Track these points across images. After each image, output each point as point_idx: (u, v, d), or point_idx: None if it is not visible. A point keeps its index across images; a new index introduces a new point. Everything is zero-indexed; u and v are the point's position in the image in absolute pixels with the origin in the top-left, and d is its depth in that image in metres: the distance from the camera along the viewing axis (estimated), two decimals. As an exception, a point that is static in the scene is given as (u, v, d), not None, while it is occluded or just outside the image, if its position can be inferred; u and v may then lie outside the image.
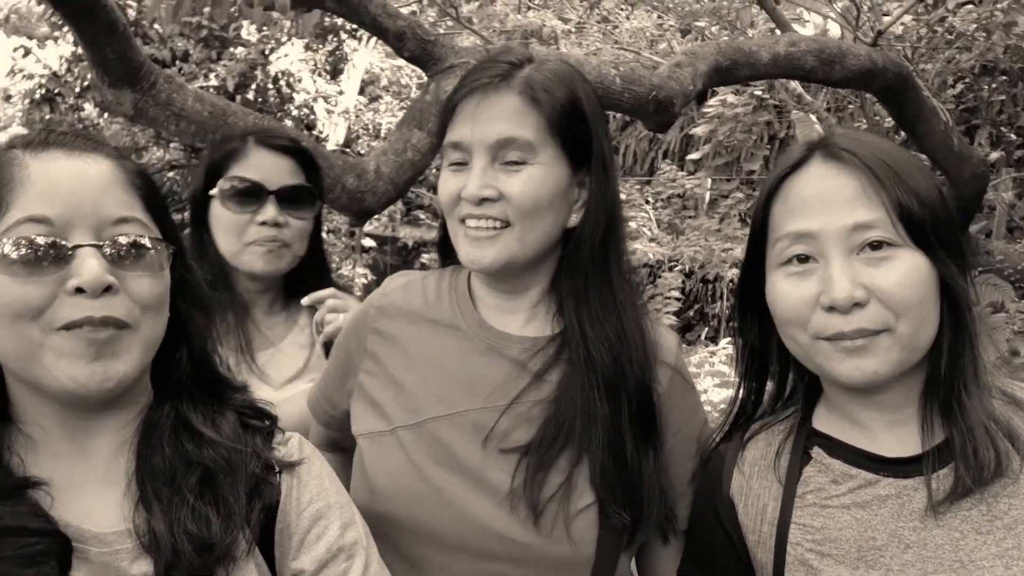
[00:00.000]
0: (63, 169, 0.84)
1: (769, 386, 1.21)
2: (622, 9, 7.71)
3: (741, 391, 1.21)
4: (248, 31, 8.93)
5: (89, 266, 0.81)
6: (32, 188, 0.82)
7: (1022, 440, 0.98)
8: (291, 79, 9.18)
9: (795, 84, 4.81)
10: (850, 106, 5.46)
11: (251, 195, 1.57)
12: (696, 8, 5.06)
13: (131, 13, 9.14)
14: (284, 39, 9.39)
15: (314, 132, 9.36)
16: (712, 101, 7.61)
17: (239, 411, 0.98)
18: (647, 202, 8.91)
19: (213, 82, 8.64)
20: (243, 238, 1.57)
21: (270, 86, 8.93)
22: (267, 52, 8.96)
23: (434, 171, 9.79)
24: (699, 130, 7.98)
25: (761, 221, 1.10)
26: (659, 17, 6.54)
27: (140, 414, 0.92)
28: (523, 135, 1.10)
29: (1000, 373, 1.08)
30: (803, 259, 1.02)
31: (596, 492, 1.10)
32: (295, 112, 9.11)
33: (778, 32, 3.79)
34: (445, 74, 2.47)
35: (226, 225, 1.58)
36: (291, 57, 9.34)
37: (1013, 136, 5.40)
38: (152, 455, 0.89)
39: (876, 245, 0.98)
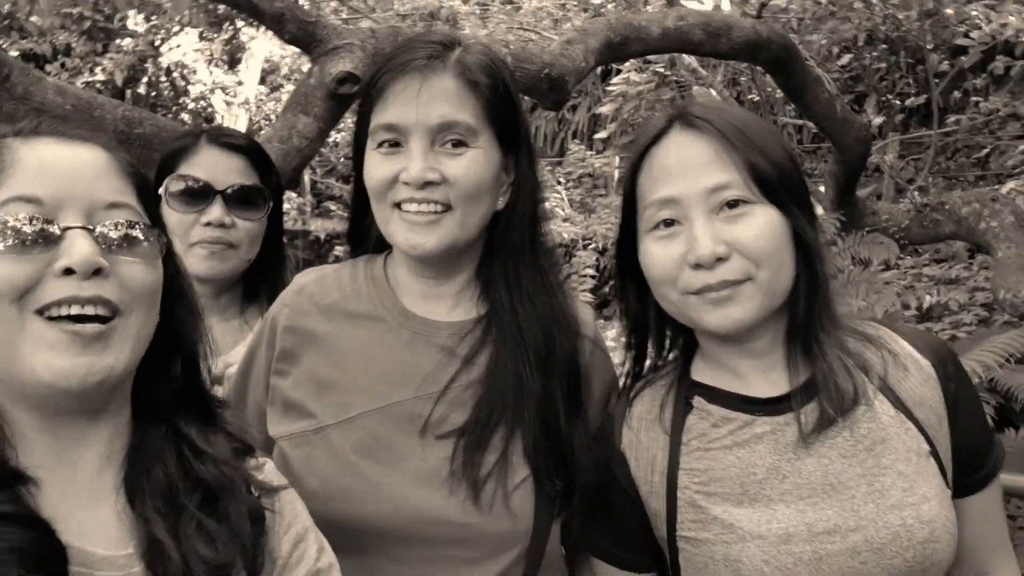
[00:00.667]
0: (55, 153, 0.82)
1: (650, 347, 1.27)
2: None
3: (628, 355, 1.27)
4: (135, 21, 8.49)
5: (80, 246, 0.78)
6: (22, 170, 0.80)
7: (875, 370, 1.09)
8: (185, 71, 8.80)
9: (692, 60, 4.91)
10: (743, 79, 5.62)
11: (197, 195, 1.51)
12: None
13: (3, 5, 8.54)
14: (176, 29, 8.97)
15: (213, 124, 9.02)
16: (616, 80, 7.70)
17: (226, 431, 0.95)
18: (559, 183, 8.98)
19: (100, 77, 8.19)
20: (187, 239, 1.51)
21: (163, 79, 8.54)
22: (157, 43, 8.55)
23: (342, 159, 9.61)
24: (605, 109, 8.06)
25: (630, 192, 1.16)
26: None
27: (124, 427, 0.88)
28: (464, 119, 1.11)
29: (851, 317, 1.19)
30: (669, 223, 1.09)
31: (531, 464, 1.13)
32: (191, 105, 8.77)
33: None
34: (329, 56, 2.39)
35: (172, 226, 1.50)
36: (184, 48, 8.95)
37: (896, 102, 5.68)
38: (149, 471, 0.86)
39: (733, 203, 1.06)
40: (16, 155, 0.81)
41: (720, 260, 1.04)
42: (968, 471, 1.10)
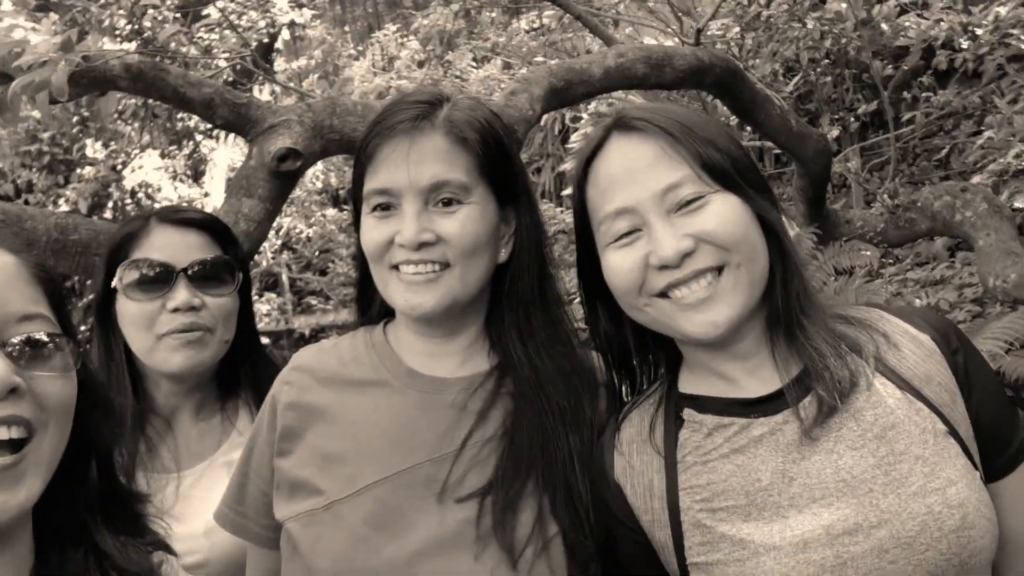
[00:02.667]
0: None
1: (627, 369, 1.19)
2: (471, 67, 7.88)
3: (607, 376, 1.20)
4: (94, 149, 8.57)
5: None
6: None
7: (867, 349, 1.01)
8: (150, 190, 8.85)
9: (639, 97, 4.95)
10: (694, 107, 5.67)
11: (157, 280, 1.36)
12: (533, 46, 5.19)
13: (-38, 152, 8.63)
14: (136, 151, 9.06)
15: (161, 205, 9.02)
16: (575, 136, 7.86)
17: (145, 529, 0.88)
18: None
19: (64, 207, 8.21)
20: (154, 330, 1.35)
21: (128, 200, 8.56)
22: (119, 167, 8.62)
23: (317, 254, 9.62)
24: (568, 166, 8.20)
25: (580, 208, 1.10)
26: (504, 62, 6.68)
27: (28, 556, 0.80)
28: (456, 177, 1.09)
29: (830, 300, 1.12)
30: (627, 233, 1.03)
31: (559, 523, 1.06)
32: (160, 222, 8.79)
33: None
34: (267, 135, 2.34)
35: (133, 318, 1.35)
36: (147, 168, 9.02)
37: (851, 119, 5.74)
38: None
39: (689, 201, 1.00)
40: None
41: (687, 256, 0.98)
42: (995, 449, 0.99)
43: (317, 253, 9.19)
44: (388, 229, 1.10)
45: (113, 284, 1.39)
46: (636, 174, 1.01)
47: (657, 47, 3.56)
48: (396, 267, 1.11)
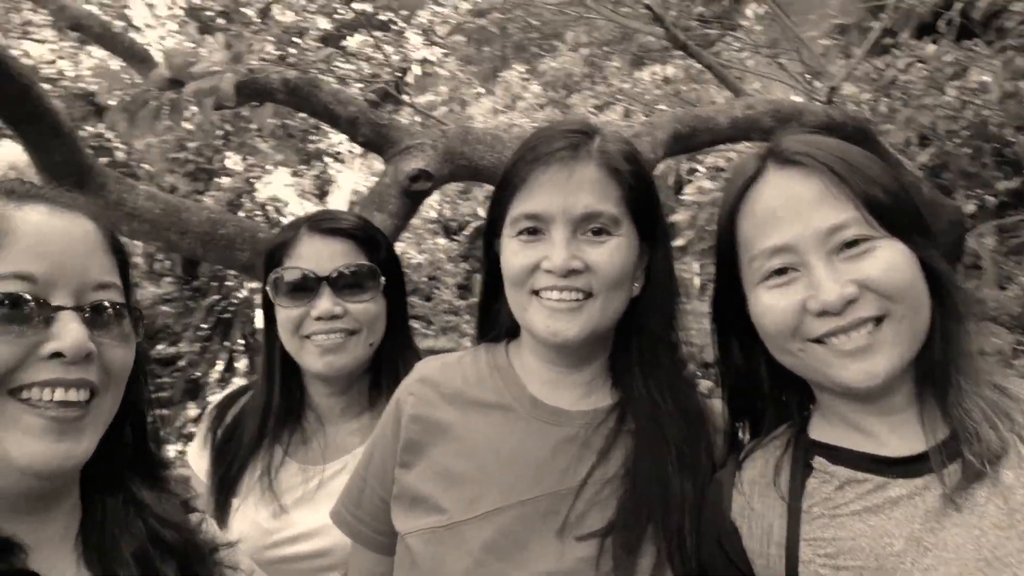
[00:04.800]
0: (49, 225, 0.80)
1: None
2: (592, 112, 8.00)
3: (729, 416, 1.16)
4: (233, 161, 9.21)
5: (72, 331, 0.77)
6: (19, 242, 0.78)
7: (1019, 422, 0.94)
8: (278, 204, 9.40)
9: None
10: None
11: (303, 287, 1.44)
12: (657, 94, 5.23)
13: (120, 155, 9.47)
14: (270, 167, 9.69)
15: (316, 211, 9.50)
16: (688, 189, 7.80)
17: (174, 491, 0.93)
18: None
19: (201, 213, 8.87)
20: (300, 333, 1.45)
21: (258, 212, 9.13)
22: (253, 180, 9.23)
23: (425, 280, 9.88)
24: (679, 217, 8.12)
25: (728, 240, 1.07)
26: (625, 110, 6.75)
27: (77, 500, 0.86)
28: (608, 209, 1.10)
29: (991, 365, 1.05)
30: (782, 271, 0.99)
31: (674, 570, 1.05)
32: (283, 235, 9.33)
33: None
34: (402, 156, 2.48)
35: (283, 322, 1.46)
36: (277, 184, 9.61)
37: (988, 197, 5.45)
38: (117, 542, 0.83)
39: (853, 242, 0.95)
40: (11, 224, 0.79)
41: (850, 303, 0.93)
42: None
43: (425, 279, 9.46)
44: (534, 254, 1.11)
45: (266, 287, 1.49)
46: (798, 211, 0.97)
47: (787, 101, 3.53)
48: (537, 292, 1.11)
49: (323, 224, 1.51)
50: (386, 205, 2.44)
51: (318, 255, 1.46)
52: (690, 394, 1.17)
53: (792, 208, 0.98)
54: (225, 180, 9.04)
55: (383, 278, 1.51)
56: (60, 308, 0.78)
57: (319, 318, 1.43)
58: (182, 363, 9.12)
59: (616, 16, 3.82)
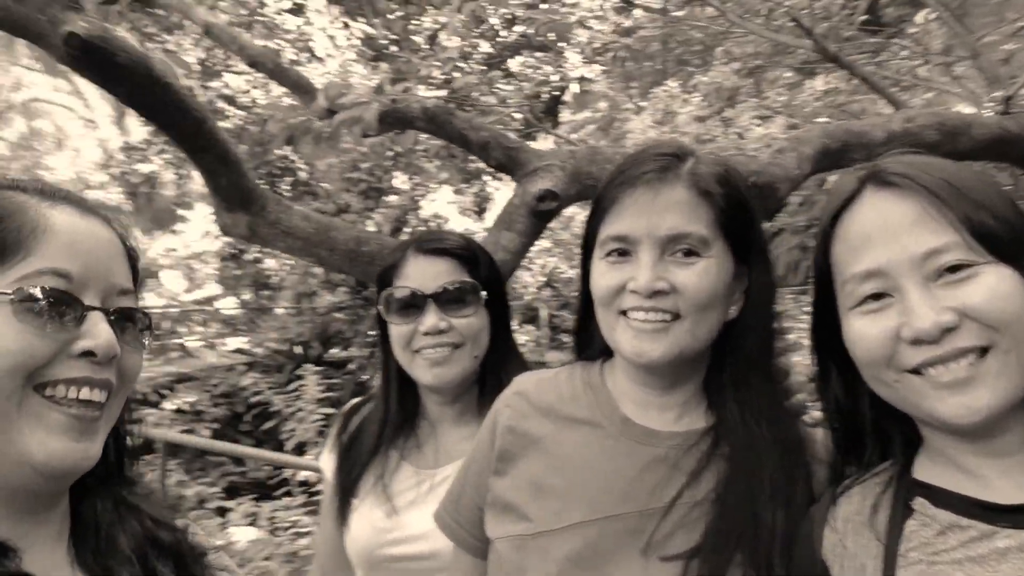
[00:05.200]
0: (81, 227, 0.81)
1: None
2: (754, 124, 7.73)
3: (833, 448, 1.11)
4: (401, 180, 9.82)
5: (104, 331, 0.78)
6: (56, 239, 0.78)
7: None
8: (440, 220, 9.91)
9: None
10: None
11: (411, 304, 1.55)
12: (817, 106, 4.97)
13: (303, 175, 10.39)
14: (434, 185, 10.24)
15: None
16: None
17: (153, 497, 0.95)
18: (805, 313, 8.45)
19: (371, 228, 9.49)
20: (411, 347, 1.56)
21: (421, 228, 9.69)
22: (418, 198, 9.80)
23: (573, 292, 9.94)
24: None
25: (823, 265, 1.04)
26: (788, 123, 6.47)
27: (66, 504, 0.85)
28: (696, 230, 1.11)
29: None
30: (877, 296, 0.94)
31: None
32: (444, 249, 9.83)
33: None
34: (531, 177, 2.56)
35: (395, 338, 1.57)
36: (440, 201, 10.13)
37: None
38: (112, 543, 0.83)
39: (954, 268, 0.89)
40: (49, 221, 0.78)
41: (947, 332, 0.87)
42: None
43: (573, 292, 9.55)
44: (621, 275, 1.11)
45: (379, 306, 1.61)
46: (892, 234, 0.93)
47: (953, 114, 3.24)
48: (625, 313, 1.11)
49: (427, 245, 1.60)
50: (514, 224, 2.53)
51: (423, 274, 1.56)
52: (789, 423, 1.13)
53: (886, 231, 0.93)
54: (393, 198, 9.67)
55: (484, 293, 1.58)
56: (92, 308, 0.78)
57: (426, 333, 1.53)
58: (352, 366, 9.79)
59: (763, 31, 3.69)
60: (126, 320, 0.83)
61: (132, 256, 0.88)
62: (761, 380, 1.13)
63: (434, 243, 1.60)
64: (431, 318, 1.53)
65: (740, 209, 1.13)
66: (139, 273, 0.89)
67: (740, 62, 4.85)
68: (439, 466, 1.57)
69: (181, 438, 4.53)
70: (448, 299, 1.54)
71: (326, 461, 1.71)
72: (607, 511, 1.10)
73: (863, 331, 0.94)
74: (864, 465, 1.07)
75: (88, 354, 0.77)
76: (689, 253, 1.09)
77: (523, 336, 10.16)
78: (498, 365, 1.60)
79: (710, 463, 1.10)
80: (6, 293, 0.75)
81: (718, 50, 4.69)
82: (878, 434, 1.06)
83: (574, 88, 11.44)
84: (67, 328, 0.76)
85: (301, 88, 3.30)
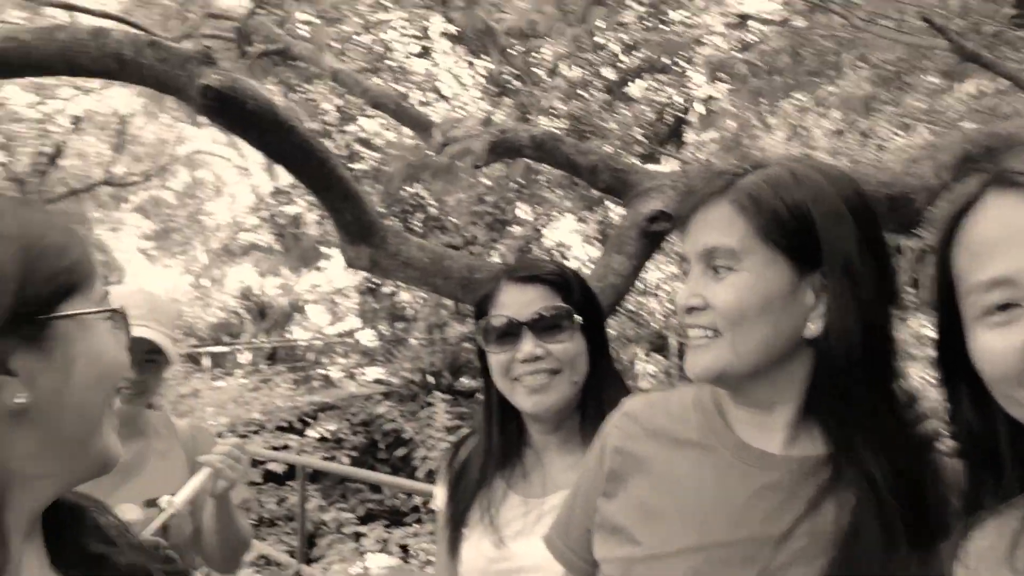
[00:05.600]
0: None
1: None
2: (897, 134, 7.27)
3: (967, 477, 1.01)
4: (523, 210, 9.99)
5: None
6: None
7: None
8: (563, 249, 9.97)
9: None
10: None
11: (508, 333, 1.57)
12: (961, 110, 4.60)
13: (432, 210, 10.80)
14: (556, 214, 10.33)
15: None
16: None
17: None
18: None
19: (496, 258, 9.70)
20: (510, 375, 1.57)
21: (545, 257, 9.81)
22: (540, 228, 9.91)
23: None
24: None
25: (942, 273, 0.96)
26: (930, 130, 6.05)
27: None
28: (726, 243, 1.09)
29: None
30: (1004, 307, 0.87)
31: None
32: (568, 277, 9.86)
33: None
34: (640, 198, 2.53)
35: (494, 367, 1.59)
36: (563, 229, 10.20)
37: None
38: (85, 546, 0.84)
39: None
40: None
41: None
42: None
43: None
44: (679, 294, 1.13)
45: (478, 337, 1.62)
46: (1019, 240, 0.86)
47: (1122, 106, 2.91)
48: (685, 330, 1.11)
49: (519, 273, 1.61)
50: (625, 247, 2.50)
51: (517, 302, 1.56)
52: (917, 451, 1.04)
53: (1012, 236, 0.86)
54: (516, 229, 9.84)
55: (579, 318, 1.58)
56: None
57: (524, 360, 1.53)
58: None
59: (893, 34, 3.47)
60: None
61: None
62: (874, 403, 1.05)
63: (526, 271, 1.61)
64: (527, 345, 1.53)
65: (792, 215, 1.07)
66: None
67: (873, 69, 4.59)
68: (546, 495, 1.57)
69: (319, 464, 4.77)
70: (543, 326, 1.55)
71: (438, 492, 1.75)
72: (717, 537, 1.06)
73: (990, 345, 0.86)
74: (1001, 496, 0.98)
75: None
76: (720, 268, 1.07)
77: (651, 366, 9.97)
78: (599, 390, 1.58)
79: (831, 494, 1.03)
80: (104, 310, 0.80)
81: (846, 57, 4.46)
82: (1017, 460, 0.97)
83: (699, 108, 11.25)
84: None
85: (421, 126, 3.45)
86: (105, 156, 17.67)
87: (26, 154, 15.29)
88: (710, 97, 11.31)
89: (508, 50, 9.76)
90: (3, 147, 13.22)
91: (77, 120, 14.36)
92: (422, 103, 9.49)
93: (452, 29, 10.14)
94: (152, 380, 1.92)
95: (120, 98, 12.41)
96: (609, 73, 11.16)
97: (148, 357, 1.88)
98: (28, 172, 15.72)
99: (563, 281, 1.59)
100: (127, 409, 1.89)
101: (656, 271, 10.60)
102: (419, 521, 4.61)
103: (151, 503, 1.91)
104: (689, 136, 10.61)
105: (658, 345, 11.02)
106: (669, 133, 11.92)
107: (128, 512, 1.87)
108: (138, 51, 2.14)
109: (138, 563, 0.86)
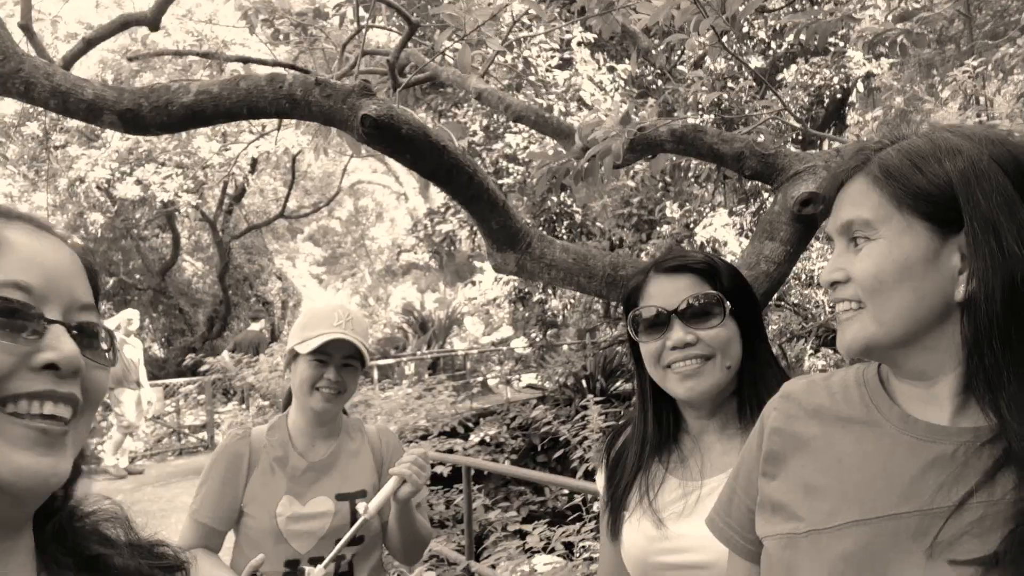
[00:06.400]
0: (40, 243, 0.80)
1: None
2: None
3: None
4: (671, 209, 9.80)
5: (67, 343, 0.75)
6: (14, 253, 0.77)
7: None
8: (717, 244, 9.67)
9: None
10: None
11: (658, 322, 1.61)
12: None
13: (578, 217, 10.86)
14: (707, 211, 10.04)
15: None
16: None
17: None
18: None
19: (645, 259, 9.61)
20: (661, 363, 1.62)
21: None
22: (691, 225, 9.68)
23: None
24: None
25: None
26: None
27: (31, 538, 0.81)
28: (860, 214, 1.09)
29: None
30: None
31: None
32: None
33: None
34: (792, 181, 2.44)
35: (646, 356, 1.64)
36: (715, 224, 9.89)
37: None
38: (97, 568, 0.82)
39: None
40: (4, 234, 0.77)
41: None
42: None
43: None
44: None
45: (629, 329, 1.66)
46: None
47: None
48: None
49: (666, 264, 1.64)
50: (776, 233, 2.42)
51: (665, 292, 1.60)
52: None
53: None
54: (664, 228, 9.68)
55: (728, 303, 1.58)
56: (53, 321, 0.76)
57: (674, 347, 1.55)
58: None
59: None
60: (89, 335, 0.81)
61: (92, 274, 0.86)
62: (1015, 371, 0.99)
63: (673, 261, 1.64)
64: (677, 332, 1.56)
65: (929, 179, 1.04)
66: (99, 291, 0.88)
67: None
68: (704, 478, 1.58)
69: (483, 464, 4.95)
70: (692, 313, 1.57)
71: (599, 478, 1.81)
72: (885, 510, 1.04)
73: None
74: None
75: (51, 367, 0.74)
76: (855, 239, 1.07)
77: (820, 360, 9.41)
78: (755, 375, 1.58)
79: (1007, 465, 0.99)
80: None
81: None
82: None
83: (860, 87, 10.55)
84: (28, 341, 0.74)
85: (562, 134, 3.51)
86: (280, 192, 19.37)
87: (213, 196, 17.08)
88: (869, 74, 10.58)
89: (651, 51, 9.65)
90: (195, 191, 14.80)
91: (255, 162, 15.85)
92: (564, 113, 9.60)
93: (590, 37, 10.19)
94: (349, 381, 2.08)
95: (290, 138, 13.57)
96: (757, 61, 10.74)
97: (346, 361, 2.04)
98: (216, 212, 17.56)
99: (711, 268, 1.61)
100: (328, 408, 2.06)
101: (823, 261, 10.02)
102: (580, 519, 4.66)
103: (342, 497, 2.09)
104: (852, 117, 9.98)
105: (827, 339, 10.40)
106: (827, 116, 11.26)
107: (321, 504, 2.08)
108: (307, 91, 2.37)
109: (137, 564, 0.85)
